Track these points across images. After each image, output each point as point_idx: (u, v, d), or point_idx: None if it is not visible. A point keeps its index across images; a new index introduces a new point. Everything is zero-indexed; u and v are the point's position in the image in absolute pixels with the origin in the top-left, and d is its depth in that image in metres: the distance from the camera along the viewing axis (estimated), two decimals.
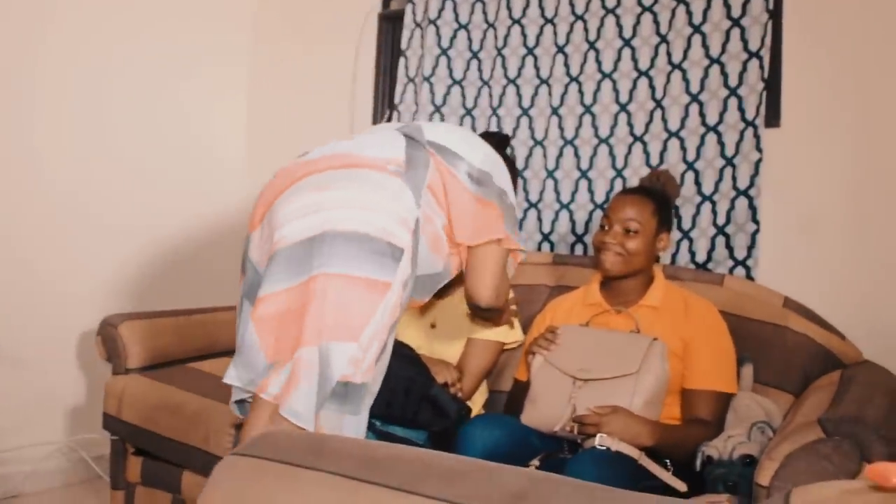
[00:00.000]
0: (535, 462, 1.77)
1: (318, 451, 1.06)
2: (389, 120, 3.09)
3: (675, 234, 2.48)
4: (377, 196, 1.69)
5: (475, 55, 2.90)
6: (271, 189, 1.78)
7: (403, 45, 3.03)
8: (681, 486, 1.72)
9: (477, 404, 2.31)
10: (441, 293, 2.35)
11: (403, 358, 2.09)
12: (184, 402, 2.31)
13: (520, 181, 2.75)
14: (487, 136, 2.15)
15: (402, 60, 3.03)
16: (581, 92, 2.67)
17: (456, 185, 1.78)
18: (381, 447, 1.07)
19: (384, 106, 3.15)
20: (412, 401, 2.00)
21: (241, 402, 1.79)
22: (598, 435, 1.73)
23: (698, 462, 1.77)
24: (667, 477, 1.73)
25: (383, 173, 1.72)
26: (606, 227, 2.10)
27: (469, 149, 1.83)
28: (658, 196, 2.13)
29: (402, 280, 1.66)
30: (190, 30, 3.29)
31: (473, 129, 2.87)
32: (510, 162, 2.22)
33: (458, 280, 2.38)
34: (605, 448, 1.72)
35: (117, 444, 2.55)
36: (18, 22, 2.79)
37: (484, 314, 1.93)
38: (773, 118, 2.41)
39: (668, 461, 1.80)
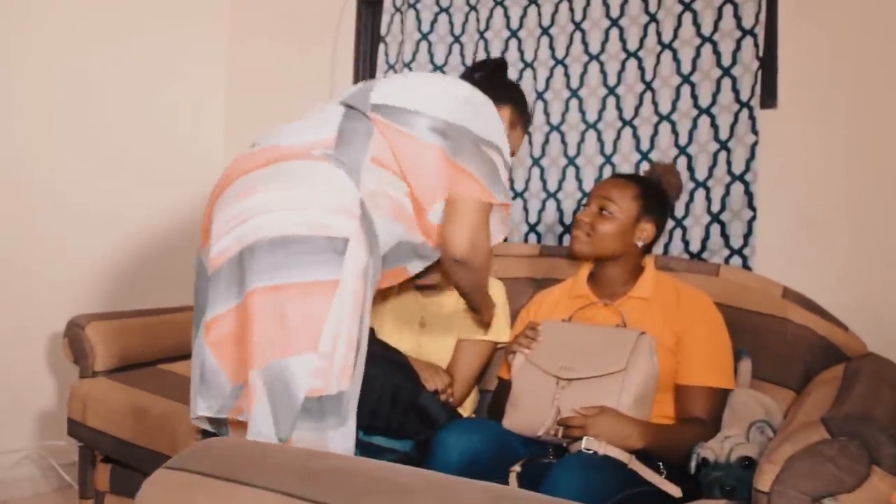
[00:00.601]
0: (517, 468, 1.64)
1: (258, 463, 0.94)
2: None
3: (669, 223, 2.34)
4: (304, 190, 1.55)
5: (457, 39, 2.78)
6: (213, 195, 1.68)
7: (383, 31, 2.91)
8: (675, 491, 1.60)
9: (467, 409, 2.18)
10: (430, 290, 2.24)
11: (391, 364, 1.96)
12: (150, 405, 2.19)
13: None
14: (478, 66, 2.04)
15: (381, 47, 2.91)
16: (567, 75, 2.55)
17: (411, 145, 1.63)
18: (329, 458, 0.95)
19: None
20: (399, 410, 1.88)
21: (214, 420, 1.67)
22: (585, 438, 1.61)
23: (693, 464, 1.64)
24: (659, 481, 1.60)
25: (307, 161, 1.59)
26: (586, 206, 1.99)
27: (430, 101, 1.67)
28: (647, 183, 2.01)
29: (357, 270, 1.54)
30: (168, 22, 3.17)
31: None
32: (515, 90, 2.06)
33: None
34: (591, 452, 1.59)
35: (85, 451, 2.43)
36: None
37: (459, 274, 1.73)
38: (768, 99, 2.28)
39: (660, 464, 1.67)
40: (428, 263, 1.82)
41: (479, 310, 1.95)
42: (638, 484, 1.58)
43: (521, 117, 2.03)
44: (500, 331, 2.15)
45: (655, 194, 2.01)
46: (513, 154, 2.00)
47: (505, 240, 2.11)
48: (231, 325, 1.54)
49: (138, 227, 3.11)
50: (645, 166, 2.40)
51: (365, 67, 3.03)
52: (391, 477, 0.85)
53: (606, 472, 1.55)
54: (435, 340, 2.16)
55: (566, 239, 2.52)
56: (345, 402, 1.52)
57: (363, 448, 1.91)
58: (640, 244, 1.98)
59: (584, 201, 2.47)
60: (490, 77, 2.00)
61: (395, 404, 1.90)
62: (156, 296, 2.93)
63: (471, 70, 2.03)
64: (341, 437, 1.52)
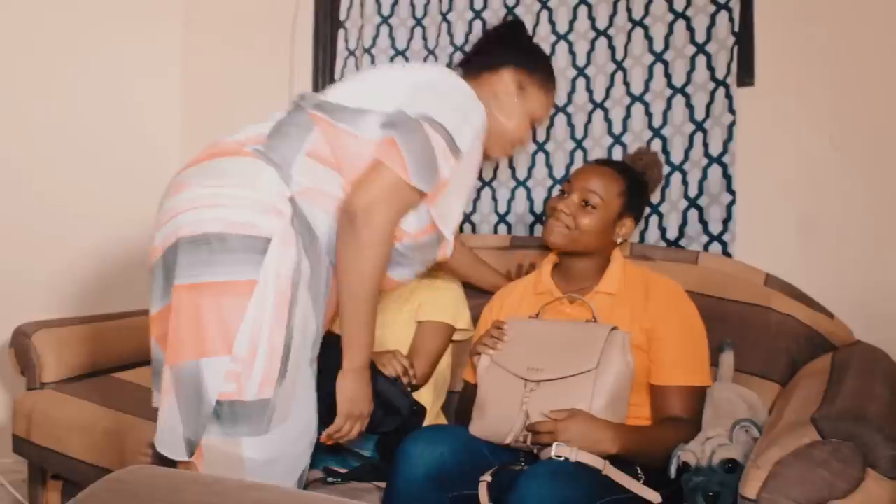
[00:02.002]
0: (487, 478, 1.52)
1: (172, 500, 0.81)
2: None
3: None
4: (229, 187, 1.49)
5: (419, 22, 2.64)
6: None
7: (342, 16, 2.77)
8: (654, 498, 1.48)
9: (433, 408, 2.08)
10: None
11: (339, 353, 1.85)
12: (97, 419, 2.06)
13: None
14: (498, 29, 1.95)
15: (341, 32, 2.77)
16: None
17: (354, 143, 1.56)
18: (249, 491, 0.82)
19: (325, 81, 2.88)
20: None
21: None
22: (555, 444, 1.48)
23: (673, 468, 1.53)
24: (637, 488, 1.49)
25: (237, 157, 1.54)
26: (566, 194, 1.85)
27: (383, 96, 1.59)
28: (633, 177, 1.89)
29: (282, 271, 1.46)
30: (115, 8, 3.02)
31: None
32: (515, 49, 1.85)
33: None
34: (563, 459, 1.47)
35: (34, 469, 2.29)
36: None
37: (343, 239, 1.54)
38: (746, 76, 2.16)
39: (638, 469, 1.56)
40: (418, 269, 1.74)
41: (348, 331, 1.60)
42: (614, 491, 1.46)
43: (531, 76, 1.83)
44: (459, 317, 2.10)
45: (640, 190, 1.90)
46: (537, 122, 1.90)
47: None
48: (164, 323, 1.51)
49: (89, 231, 2.96)
50: (618, 152, 2.28)
51: (325, 55, 2.89)
52: None
53: (579, 480, 1.43)
54: (388, 326, 2.08)
55: (537, 229, 2.40)
56: (269, 412, 1.45)
57: (324, 446, 1.79)
58: (618, 241, 1.86)
59: (556, 187, 2.36)
60: (484, 43, 1.89)
61: None
62: (110, 301, 2.79)
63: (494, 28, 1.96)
64: (260, 446, 1.45)
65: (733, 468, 1.44)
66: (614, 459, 1.51)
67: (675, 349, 1.69)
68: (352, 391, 1.61)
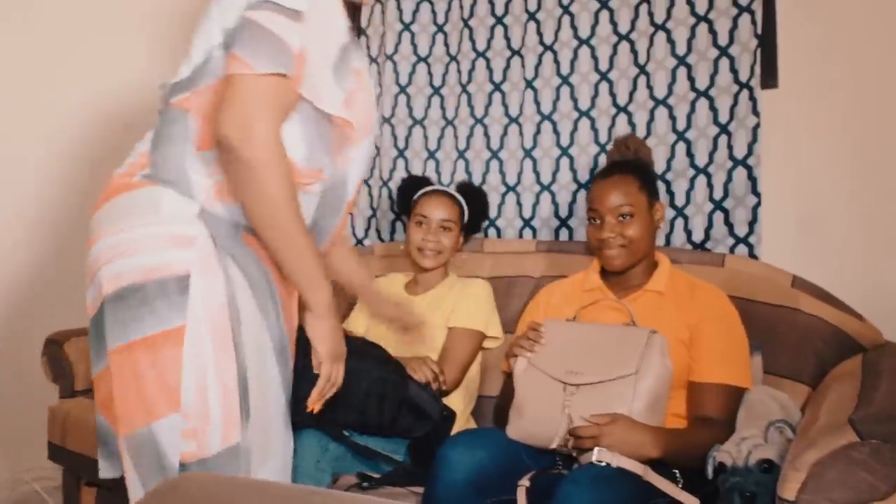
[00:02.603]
0: (525, 482, 1.54)
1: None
2: None
3: (669, 213, 2.25)
4: (134, 229, 1.33)
5: (440, 28, 2.66)
6: None
7: (363, 23, 2.79)
8: (692, 502, 1.50)
9: (464, 414, 2.10)
10: (419, 290, 2.19)
11: (373, 358, 1.88)
12: None
13: (495, 163, 2.53)
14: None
15: (362, 39, 2.79)
16: (557, 61, 2.43)
17: (209, 94, 1.37)
18: (313, 496, 0.84)
19: None
20: (389, 405, 1.79)
21: None
22: (596, 449, 1.50)
23: (710, 469, 1.54)
24: (675, 492, 1.50)
25: (131, 192, 1.37)
26: (598, 221, 1.89)
27: (210, 33, 1.38)
28: (636, 167, 1.94)
29: (212, 301, 1.32)
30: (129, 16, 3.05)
31: (443, 108, 2.63)
32: None
33: (438, 276, 2.20)
34: (604, 464, 1.49)
35: (68, 476, 2.32)
36: None
37: (235, 180, 1.34)
38: (769, 78, 2.17)
39: (676, 472, 1.57)
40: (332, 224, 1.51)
41: (294, 275, 1.41)
42: (654, 496, 1.49)
43: None
44: (490, 324, 2.14)
45: (648, 172, 1.97)
46: None
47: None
48: (106, 385, 1.39)
49: None
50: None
51: None
52: None
53: (620, 486, 1.45)
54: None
55: (563, 233, 2.42)
56: (242, 458, 1.32)
57: (357, 451, 1.82)
58: (659, 225, 1.94)
59: (578, 193, 2.38)
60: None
61: (384, 399, 1.82)
62: None
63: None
64: None
65: (769, 468, 1.45)
66: (653, 462, 1.53)
67: (716, 348, 1.73)
68: (326, 330, 1.46)
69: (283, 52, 1.30)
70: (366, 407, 1.79)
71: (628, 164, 1.94)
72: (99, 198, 1.41)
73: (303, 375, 1.52)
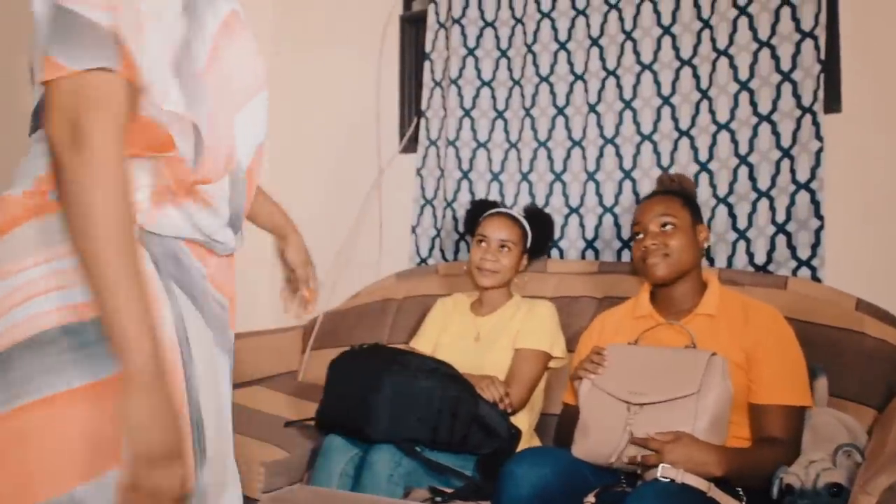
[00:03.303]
0: (591, 499, 1.58)
1: None
2: (417, 130, 2.92)
3: (732, 235, 2.28)
4: (55, 261, 1.02)
5: (504, 53, 2.73)
6: None
7: (428, 48, 2.87)
8: None
9: (528, 431, 2.15)
10: (485, 311, 2.25)
11: (444, 377, 1.96)
12: None
13: (558, 185, 2.58)
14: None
15: (427, 64, 2.87)
16: (619, 86, 2.48)
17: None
18: None
19: (411, 112, 2.99)
20: (460, 423, 1.86)
21: None
22: (661, 465, 1.54)
23: (775, 490, 1.57)
24: None
25: (44, 217, 1.04)
26: (641, 235, 1.94)
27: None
28: (680, 192, 2.01)
29: (163, 331, 1.04)
30: None
31: (506, 131, 2.69)
32: None
33: (502, 297, 2.26)
34: (668, 480, 1.53)
35: None
36: None
37: (61, 174, 0.99)
38: (833, 103, 2.20)
39: (739, 490, 1.60)
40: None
41: (107, 323, 0.97)
42: None
43: None
44: (555, 345, 2.19)
45: (692, 200, 2.02)
46: None
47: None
48: None
49: None
50: (704, 179, 2.33)
51: (410, 85, 3.00)
52: None
53: (685, 501, 1.49)
54: (489, 352, 2.20)
55: (625, 254, 2.46)
56: (198, 500, 1.06)
57: (429, 466, 1.88)
58: (704, 246, 1.97)
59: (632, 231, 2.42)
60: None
61: (456, 416, 1.90)
62: None
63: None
64: None
65: (839, 492, 1.48)
66: (717, 481, 1.56)
67: (775, 369, 1.75)
68: (147, 411, 0.96)
69: (91, 38, 1.00)
70: (438, 424, 1.85)
71: (672, 190, 2.02)
72: None
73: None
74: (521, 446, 2.01)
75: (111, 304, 0.97)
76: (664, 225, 1.90)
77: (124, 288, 0.97)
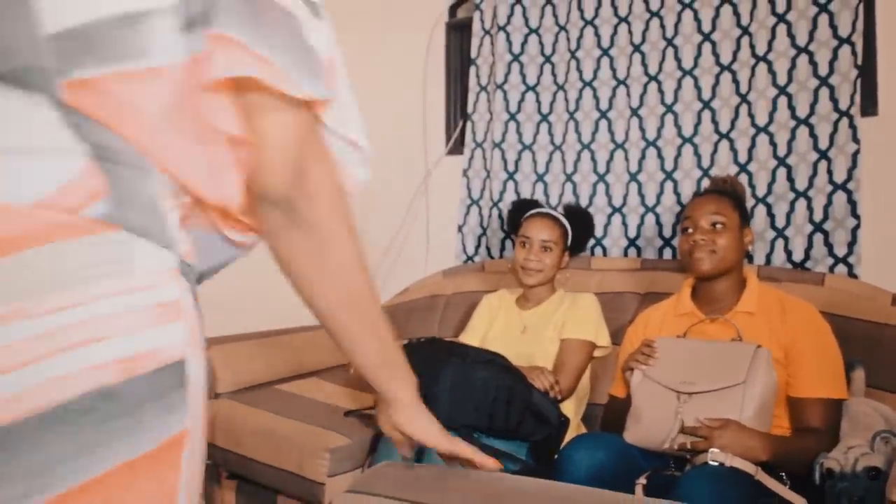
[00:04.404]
0: (642, 480, 1.70)
1: (440, 488, 1.02)
2: (463, 132, 3.04)
3: (770, 233, 2.38)
4: (99, 300, 0.73)
5: (548, 59, 2.84)
6: None
7: (473, 54, 2.99)
8: (801, 502, 1.63)
9: (575, 419, 2.26)
10: (530, 305, 2.36)
11: (499, 367, 2.07)
12: (275, 426, 2.30)
13: (601, 186, 2.69)
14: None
15: (472, 69, 2.99)
16: (661, 91, 2.59)
17: (142, 92, 0.75)
18: (506, 481, 1.03)
19: (456, 116, 3.11)
20: (515, 411, 1.97)
21: None
22: (711, 450, 1.66)
23: (817, 475, 1.67)
24: (785, 492, 1.64)
25: (77, 239, 0.72)
26: (691, 230, 2.03)
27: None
28: (733, 194, 2.10)
29: (200, 402, 0.82)
30: None
31: (551, 134, 2.81)
32: None
33: (546, 292, 2.38)
34: (718, 463, 1.64)
35: (210, 469, 2.56)
36: None
37: (289, 242, 0.91)
38: (869, 106, 2.29)
39: (783, 475, 1.71)
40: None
41: (371, 366, 1.07)
42: (764, 495, 1.62)
43: None
44: (600, 334, 2.29)
45: (742, 203, 2.10)
46: None
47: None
48: None
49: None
50: (743, 180, 2.43)
51: (456, 90, 3.12)
52: (571, 496, 0.93)
53: (735, 484, 1.60)
54: (534, 345, 2.31)
55: (666, 252, 2.57)
56: None
57: (485, 451, 1.99)
58: (748, 248, 2.06)
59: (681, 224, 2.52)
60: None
61: (511, 404, 2.00)
62: (258, 317, 3.04)
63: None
64: None
65: (877, 475, 1.58)
66: (763, 466, 1.67)
67: (813, 364, 1.85)
68: (425, 415, 1.18)
69: (317, 63, 0.83)
70: (494, 411, 1.97)
71: (725, 191, 2.11)
72: None
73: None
74: (569, 434, 2.13)
75: (384, 334, 1.00)
76: (714, 224, 2.00)
77: (388, 330, 1.01)
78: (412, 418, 1.15)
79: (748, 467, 1.64)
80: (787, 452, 1.73)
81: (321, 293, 0.95)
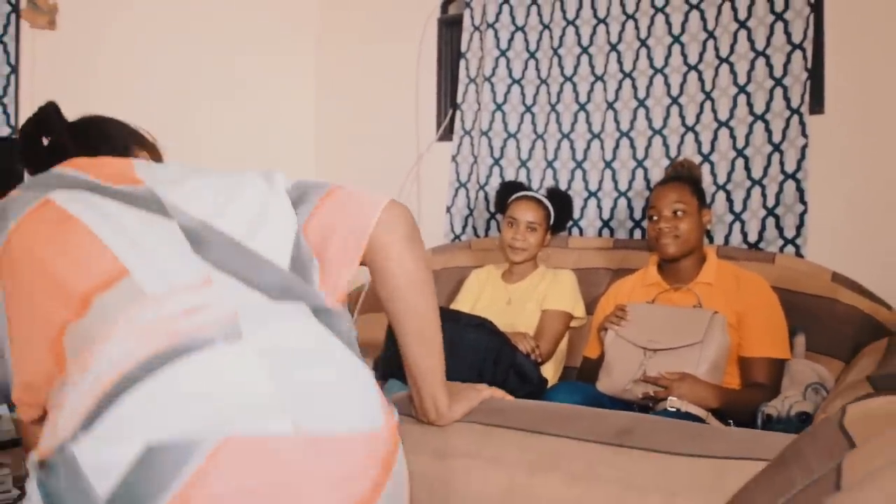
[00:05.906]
0: None
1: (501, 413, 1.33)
2: (452, 121, 3.29)
3: (729, 217, 2.66)
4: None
5: (532, 55, 3.10)
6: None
7: (463, 48, 3.24)
8: None
9: (553, 380, 2.53)
10: (514, 279, 2.63)
11: (487, 331, 2.31)
12: None
13: (579, 172, 2.96)
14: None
15: (462, 62, 3.24)
16: (635, 87, 2.86)
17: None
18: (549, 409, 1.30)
19: (447, 105, 3.37)
20: (501, 369, 2.22)
21: None
22: (669, 398, 1.94)
23: (759, 420, 1.97)
24: None
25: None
26: (656, 218, 2.30)
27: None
28: (690, 179, 2.36)
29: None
30: (255, 37, 3.50)
31: (534, 124, 3.07)
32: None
33: (530, 267, 2.64)
34: (675, 409, 1.93)
35: None
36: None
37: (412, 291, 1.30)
38: (816, 105, 2.58)
39: (731, 421, 2.00)
40: None
41: (427, 376, 1.38)
42: None
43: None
44: (576, 306, 2.56)
45: (698, 185, 2.38)
46: None
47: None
48: None
49: None
50: (706, 169, 2.71)
51: (447, 81, 3.38)
52: (562, 409, 1.18)
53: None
54: (519, 314, 2.56)
55: (636, 233, 2.85)
56: None
57: None
58: (707, 227, 2.34)
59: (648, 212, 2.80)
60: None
61: (497, 364, 2.25)
62: None
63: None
64: None
65: (807, 419, 1.87)
66: (713, 412, 1.96)
67: (762, 328, 2.14)
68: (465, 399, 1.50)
69: None
70: (483, 369, 2.23)
71: (683, 177, 2.38)
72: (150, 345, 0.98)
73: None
74: None
75: (440, 362, 1.37)
76: (676, 211, 2.27)
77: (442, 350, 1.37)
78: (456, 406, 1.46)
79: (700, 412, 1.93)
80: (735, 402, 2.02)
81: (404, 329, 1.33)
